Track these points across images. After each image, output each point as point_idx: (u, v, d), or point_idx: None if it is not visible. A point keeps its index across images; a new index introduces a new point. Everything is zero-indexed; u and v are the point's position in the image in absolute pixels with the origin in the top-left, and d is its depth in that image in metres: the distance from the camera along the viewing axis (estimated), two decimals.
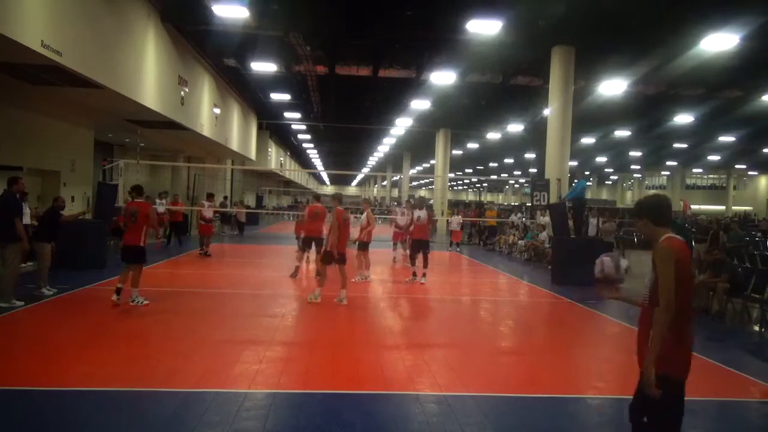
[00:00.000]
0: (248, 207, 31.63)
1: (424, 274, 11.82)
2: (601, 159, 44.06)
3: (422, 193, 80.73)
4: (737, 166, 47.60)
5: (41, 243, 8.85)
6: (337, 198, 9.92)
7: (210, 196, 17.15)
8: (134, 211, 8.41)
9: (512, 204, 52.42)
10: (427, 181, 76.41)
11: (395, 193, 62.35)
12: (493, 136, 30.24)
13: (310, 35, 15.38)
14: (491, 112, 24.31)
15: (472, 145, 36.48)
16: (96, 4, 10.74)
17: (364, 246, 11.52)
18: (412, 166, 49.33)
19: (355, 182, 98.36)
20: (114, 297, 8.17)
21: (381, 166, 57.06)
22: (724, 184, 55.43)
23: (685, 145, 33.18)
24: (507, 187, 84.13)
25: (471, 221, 23.83)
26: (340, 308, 8.98)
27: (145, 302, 8.26)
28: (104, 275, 10.12)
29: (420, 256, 11.88)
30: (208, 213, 15.80)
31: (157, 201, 17.16)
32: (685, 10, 12.19)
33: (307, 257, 13.11)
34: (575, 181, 15.05)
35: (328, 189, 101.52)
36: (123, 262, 8.42)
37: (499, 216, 24.80)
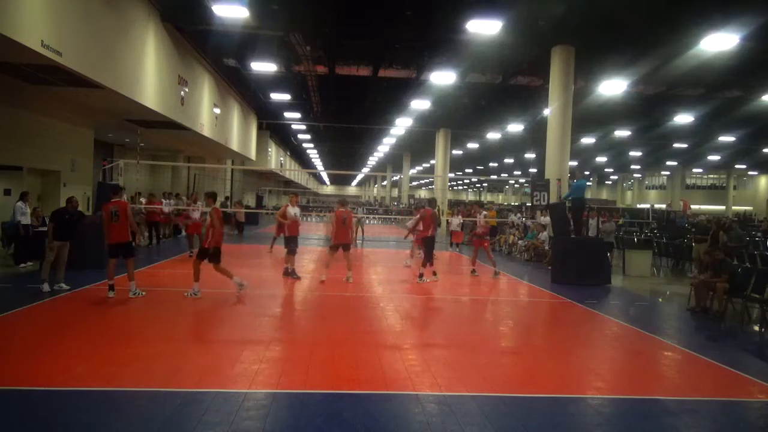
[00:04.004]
0: (248, 207, 31.58)
1: (421, 275, 11.94)
2: (601, 159, 44.08)
3: (422, 193, 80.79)
4: (737, 166, 47.66)
5: (48, 240, 9.09)
6: (212, 196, 9.80)
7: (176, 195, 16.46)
8: (115, 210, 8.86)
9: (511, 204, 52.43)
10: (427, 181, 76.43)
11: (395, 192, 62.36)
12: (493, 136, 30.26)
13: (310, 35, 15.40)
14: (491, 112, 24.34)
15: (472, 145, 36.50)
16: (96, 4, 10.74)
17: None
18: (412, 166, 49.37)
19: (355, 182, 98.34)
20: (110, 293, 8.64)
21: (381, 166, 57.08)
22: (724, 184, 55.44)
23: (685, 145, 33.21)
24: (507, 187, 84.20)
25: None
26: (341, 308, 8.98)
27: (143, 293, 8.84)
28: (103, 275, 10.07)
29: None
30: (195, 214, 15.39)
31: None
32: (684, 10, 12.21)
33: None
34: (574, 180, 15.07)
35: (328, 189, 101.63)
36: (109, 258, 8.93)
37: (499, 215, 24.77)
